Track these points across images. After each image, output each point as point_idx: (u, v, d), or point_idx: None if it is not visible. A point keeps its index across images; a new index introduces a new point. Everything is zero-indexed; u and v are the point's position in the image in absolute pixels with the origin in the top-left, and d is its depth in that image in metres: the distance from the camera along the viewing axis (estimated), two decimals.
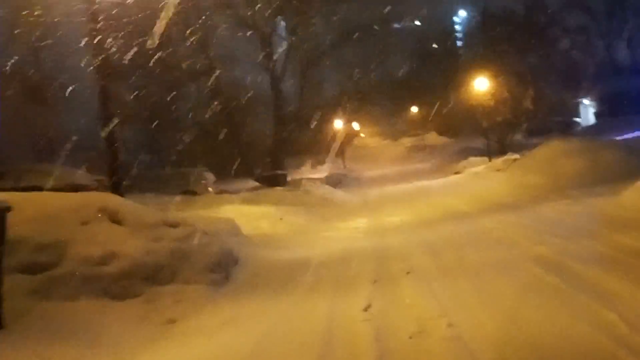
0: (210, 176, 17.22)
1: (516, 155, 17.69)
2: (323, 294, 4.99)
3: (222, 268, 6.12)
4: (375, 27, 24.68)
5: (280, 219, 10.17)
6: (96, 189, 12.09)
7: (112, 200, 6.38)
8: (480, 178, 15.88)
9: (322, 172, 25.89)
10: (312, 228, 9.79)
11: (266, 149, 22.27)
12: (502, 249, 5.80)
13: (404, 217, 9.99)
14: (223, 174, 23.45)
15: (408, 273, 5.35)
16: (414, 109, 37.08)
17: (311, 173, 25.50)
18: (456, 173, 20.00)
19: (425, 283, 4.85)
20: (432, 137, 34.28)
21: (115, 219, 6.02)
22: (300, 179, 19.20)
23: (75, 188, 12.44)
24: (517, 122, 22.89)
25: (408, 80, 35.32)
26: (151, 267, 5.56)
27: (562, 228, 6.50)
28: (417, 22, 37.47)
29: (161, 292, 5.31)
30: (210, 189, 16.61)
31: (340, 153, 29.84)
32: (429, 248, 6.50)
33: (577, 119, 28.04)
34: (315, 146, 27.50)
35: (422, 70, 34.65)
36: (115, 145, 8.30)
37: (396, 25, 33.39)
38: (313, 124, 25.51)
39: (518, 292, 4.15)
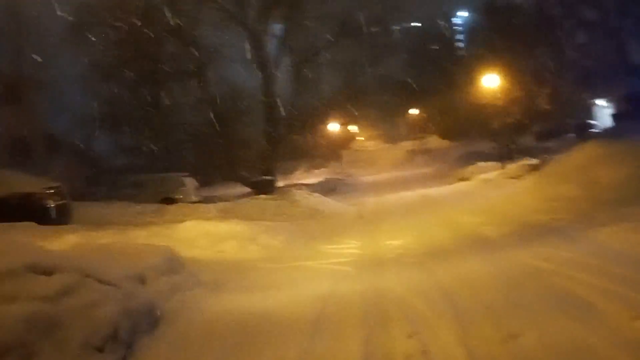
0: (191, 182, 14.83)
1: (534, 161, 15.32)
2: None
3: (121, 342, 3.72)
4: (373, 28, 22.58)
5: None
6: (44, 198, 9.78)
7: None
8: (495, 186, 13.46)
9: (316, 177, 23.56)
10: (289, 253, 7.39)
11: (258, 152, 19.96)
12: (576, 320, 3.38)
13: (408, 240, 7.58)
14: (213, 179, 21.12)
15: None
16: (415, 112, 34.70)
17: (305, 178, 23.15)
18: (463, 179, 17.62)
19: None
20: (434, 141, 31.86)
21: None
22: (290, 186, 16.86)
23: (21, 196, 10.26)
24: (529, 124, 20.47)
25: (408, 81, 33.18)
26: None
27: None
28: (417, 24, 35.52)
29: None
30: (190, 196, 14.24)
31: (337, 157, 27.49)
32: (449, 305, 4.09)
33: (593, 121, 25.55)
34: (310, 149, 25.12)
35: (422, 71, 32.48)
36: None
37: (395, 27, 31.52)
38: (308, 126, 23.25)
39: None
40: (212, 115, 18.74)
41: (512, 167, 15.76)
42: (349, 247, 7.57)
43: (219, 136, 18.79)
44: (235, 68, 20.49)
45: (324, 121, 25.80)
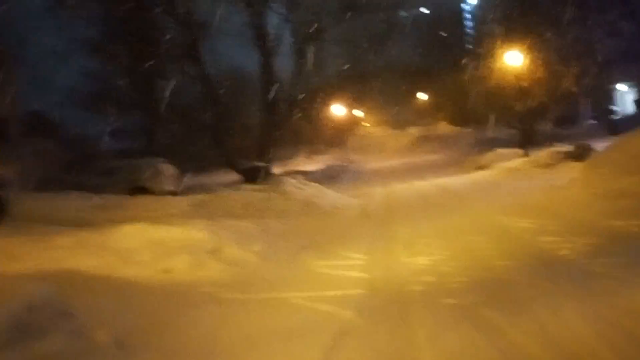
0: (168, 169, 12.32)
1: (566, 147, 12.62)
2: None
3: None
4: (381, 7, 19.81)
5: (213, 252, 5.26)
6: None
7: None
8: (524, 177, 10.80)
9: (318, 163, 21.00)
10: (265, 276, 4.83)
11: (255, 136, 17.43)
12: None
13: (438, 256, 4.97)
14: (207, 165, 18.80)
15: None
16: (422, 97, 31.82)
17: (306, 164, 20.61)
18: (481, 168, 14.96)
19: None
20: (443, 127, 29.06)
21: None
22: (287, 173, 14.33)
23: None
24: (552, 107, 17.68)
25: (416, 65, 30.43)
26: None
27: None
28: (425, 10, 32.60)
29: None
30: (165, 186, 11.74)
31: (342, 142, 24.87)
32: None
33: (614, 107, 22.61)
34: (312, 134, 22.57)
35: (431, 54, 29.67)
36: None
37: (403, 13, 28.72)
38: (310, 110, 20.75)
39: None
40: (206, 95, 16.32)
41: (540, 154, 13.06)
42: (351, 267, 4.98)
43: (214, 119, 16.45)
44: (232, 45, 17.94)
45: (327, 105, 23.27)
